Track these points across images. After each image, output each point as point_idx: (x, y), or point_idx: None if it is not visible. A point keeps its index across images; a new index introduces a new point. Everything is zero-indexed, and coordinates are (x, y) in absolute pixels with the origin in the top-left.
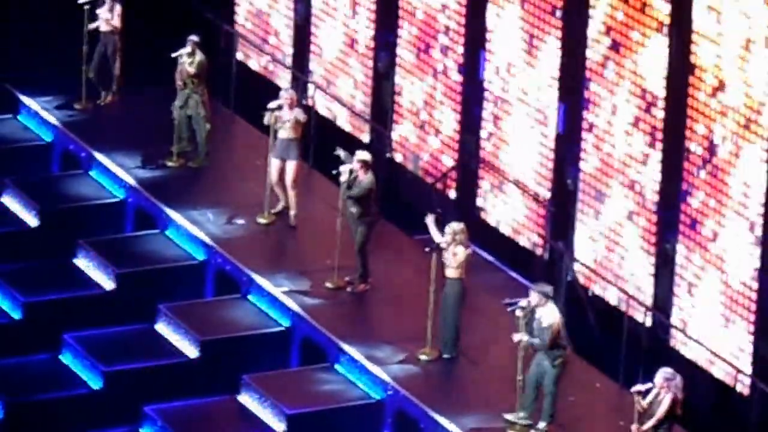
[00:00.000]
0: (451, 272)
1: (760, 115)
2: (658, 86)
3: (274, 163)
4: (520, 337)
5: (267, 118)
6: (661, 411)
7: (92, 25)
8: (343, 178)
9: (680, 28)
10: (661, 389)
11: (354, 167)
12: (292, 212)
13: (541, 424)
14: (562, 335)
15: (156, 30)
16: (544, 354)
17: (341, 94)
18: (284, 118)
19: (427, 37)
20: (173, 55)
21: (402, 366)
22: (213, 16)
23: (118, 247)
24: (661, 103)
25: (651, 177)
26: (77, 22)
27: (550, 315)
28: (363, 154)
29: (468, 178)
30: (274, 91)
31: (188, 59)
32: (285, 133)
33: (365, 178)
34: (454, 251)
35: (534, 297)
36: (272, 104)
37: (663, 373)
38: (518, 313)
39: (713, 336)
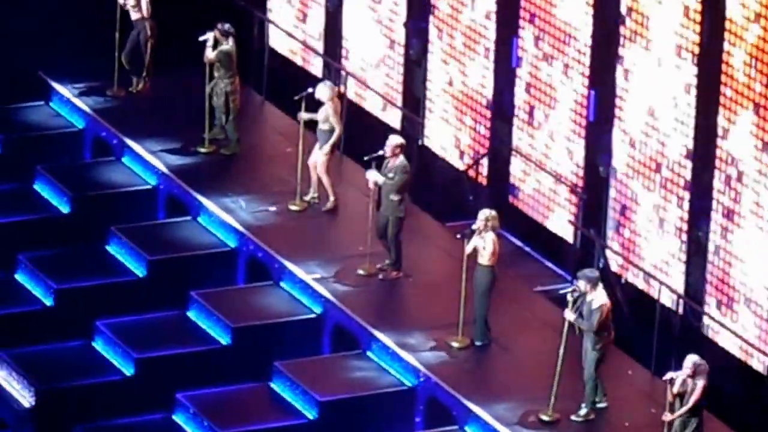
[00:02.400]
0: (482, 259)
1: None
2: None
3: (314, 152)
4: (570, 316)
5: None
6: (693, 399)
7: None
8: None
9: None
10: (691, 377)
11: (385, 152)
12: (330, 199)
13: (582, 410)
14: (609, 319)
15: (191, 17)
16: (587, 337)
17: (373, 80)
18: (320, 109)
19: (458, 23)
20: (200, 38)
21: (434, 353)
22: (245, 3)
23: (150, 234)
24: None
25: (684, 164)
26: (110, 8)
27: (600, 298)
28: (395, 139)
29: (500, 165)
30: (306, 78)
31: (212, 45)
32: (320, 123)
33: (398, 163)
34: (484, 238)
35: (582, 284)
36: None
37: (692, 359)
38: (568, 297)
39: (746, 324)
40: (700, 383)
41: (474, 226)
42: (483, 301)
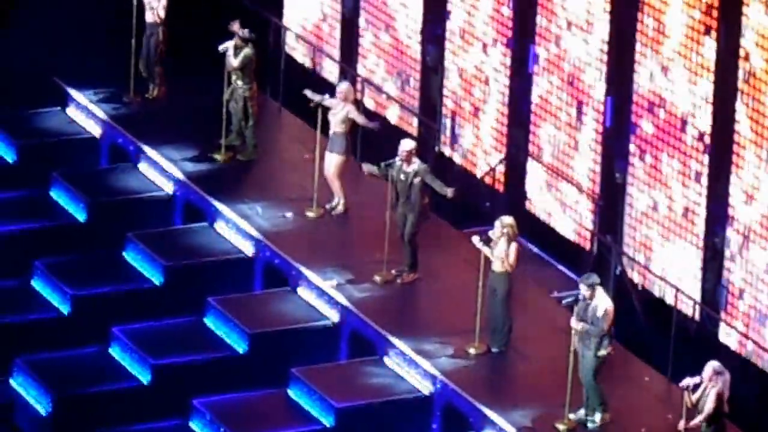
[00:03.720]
0: (497, 265)
1: None
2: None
3: (326, 156)
4: (578, 325)
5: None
6: (709, 406)
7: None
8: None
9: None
10: (709, 383)
11: (400, 158)
12: (340, 202)
13: (597, 416)
14: (613, 322)
15: (207, 23)
16: (588, 343)
17: (389, 87)
18: (335, 111)
19: (473, 29)
20: (220, 48)
21: (451, 360)
22: (261, 10)
23: (166, 240)
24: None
25: (700, 171)
26: (126, 14)
27: (603, 302)
28: (407, 144)
29: (516, 172)
30: (321, 84)
31: (234, 52)
32: (334, 126)
33: (413, 166)
34: (499, 244)
35: (584, 289)
36: (320, 100)
37: (711, 366)
38: (570, 304)
39: (761, 329)
40: (714, 390)
41: (491, 233)
42: (502, 308)
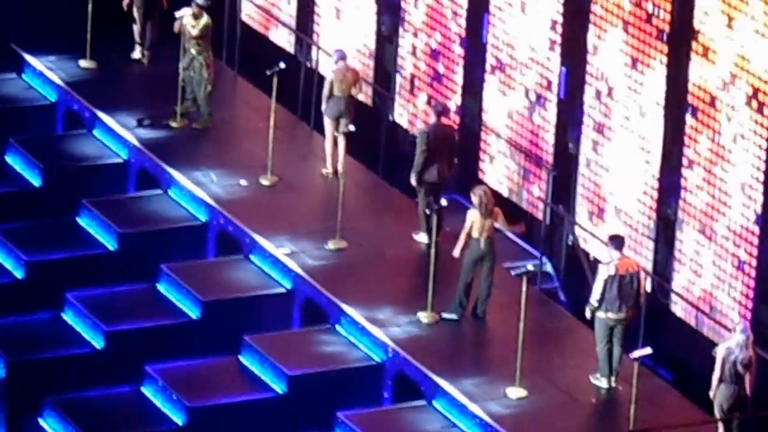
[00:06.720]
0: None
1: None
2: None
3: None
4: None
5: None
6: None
7: None
8: None
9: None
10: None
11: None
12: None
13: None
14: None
15: None
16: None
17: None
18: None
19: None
20: (176, 14)
21: (403, 328)
22: None
23: (121, 206)
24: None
25: (654, 139)
26: None
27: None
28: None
29: (470, 142)
30: (277, 52)
31: (193, 21)
32: (350, 92)
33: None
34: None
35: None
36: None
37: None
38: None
39: (710, 300)
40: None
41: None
42: (461, 274)
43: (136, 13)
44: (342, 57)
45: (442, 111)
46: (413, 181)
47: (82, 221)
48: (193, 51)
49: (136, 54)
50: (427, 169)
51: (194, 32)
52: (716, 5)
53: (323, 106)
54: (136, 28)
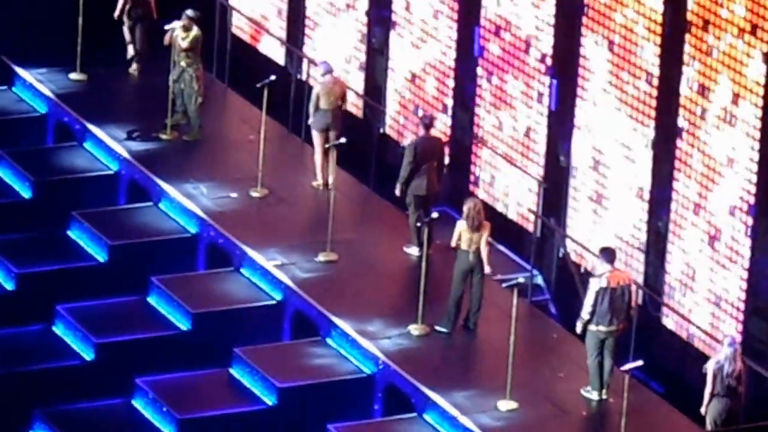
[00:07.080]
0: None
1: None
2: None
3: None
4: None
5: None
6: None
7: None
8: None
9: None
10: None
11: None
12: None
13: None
14: None
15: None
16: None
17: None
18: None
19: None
20: (166, 27)
21: (393, 341)
22: None
23: (111, 219)
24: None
25: (643, 152)
26: None
27: None
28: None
29: (462, 154)
30: (268, 64)
31: (183, 34)
32: (335, 103)
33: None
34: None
35: None
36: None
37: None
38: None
39: (705, 313)
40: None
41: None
42: (452, 288)
43: (126, 24)
44: (329, 70)
45: (429, 123)
46: (397, 191)
47: (72, 233)
48: (183, 63)
49: (131, 51)
50: (415, 181)
51: (184, 44)
52: (708, 17)
53: (310, 119)
54: (127, 36)
